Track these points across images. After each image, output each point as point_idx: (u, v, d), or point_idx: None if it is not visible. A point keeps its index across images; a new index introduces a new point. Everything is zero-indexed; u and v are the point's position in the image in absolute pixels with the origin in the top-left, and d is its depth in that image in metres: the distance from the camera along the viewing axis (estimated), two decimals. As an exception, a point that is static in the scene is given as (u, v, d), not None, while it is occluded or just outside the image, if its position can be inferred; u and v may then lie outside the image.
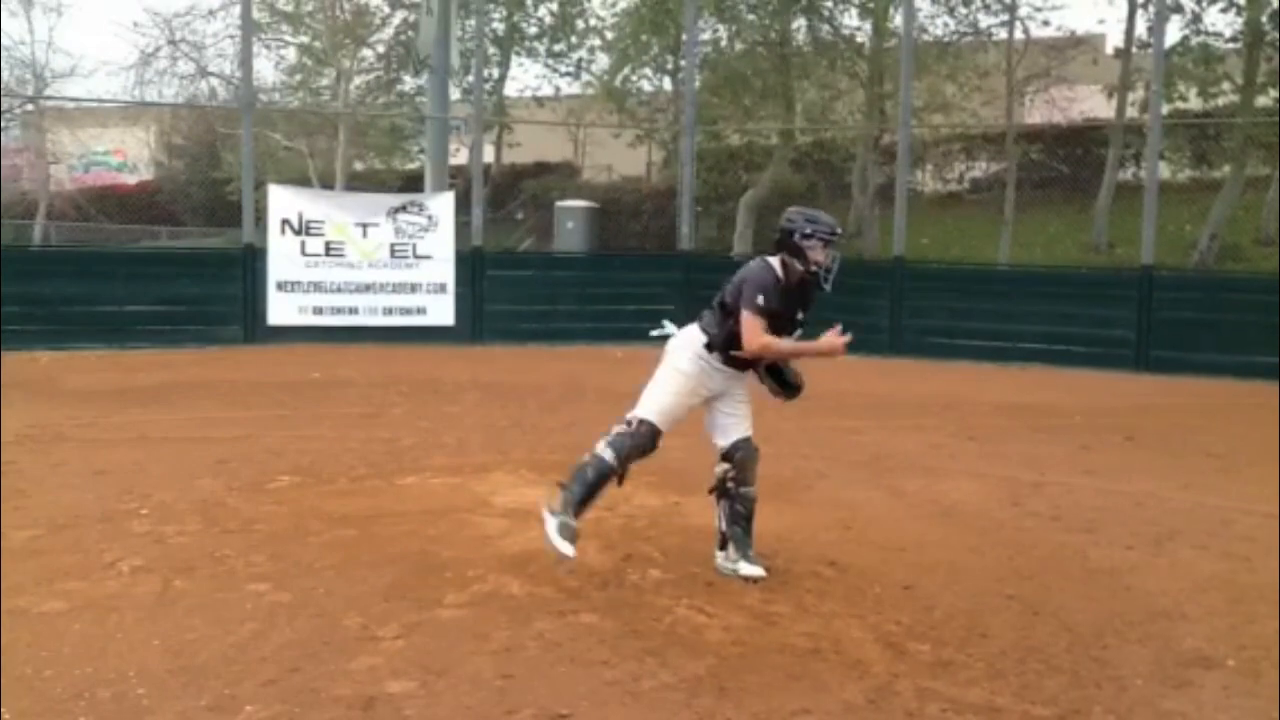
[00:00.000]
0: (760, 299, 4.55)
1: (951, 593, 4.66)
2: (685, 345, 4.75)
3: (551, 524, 4.54)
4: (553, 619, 4.21)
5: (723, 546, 4.81)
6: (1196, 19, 17.56)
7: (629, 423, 4.65)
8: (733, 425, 4.76)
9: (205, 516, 5.62)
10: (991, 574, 4.95)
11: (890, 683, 3.72)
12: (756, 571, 4.69)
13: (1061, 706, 3.59)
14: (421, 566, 4.82)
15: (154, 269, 14.26)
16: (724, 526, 4.79)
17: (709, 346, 4.67)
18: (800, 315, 4.74)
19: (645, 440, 4.63)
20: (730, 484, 4.73)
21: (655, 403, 4.68)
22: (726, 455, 4.75)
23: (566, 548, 4.50)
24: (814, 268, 4.66)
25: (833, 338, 4.64)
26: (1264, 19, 16.63)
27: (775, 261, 4.72)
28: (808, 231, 4.65)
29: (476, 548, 5.11)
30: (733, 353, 4.65)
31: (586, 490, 4.60)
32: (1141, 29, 18.58)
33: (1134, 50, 19.08)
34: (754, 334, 4.56)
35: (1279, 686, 3.78)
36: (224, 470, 6.70)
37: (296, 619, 4.16)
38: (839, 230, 4.73)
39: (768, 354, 4.65)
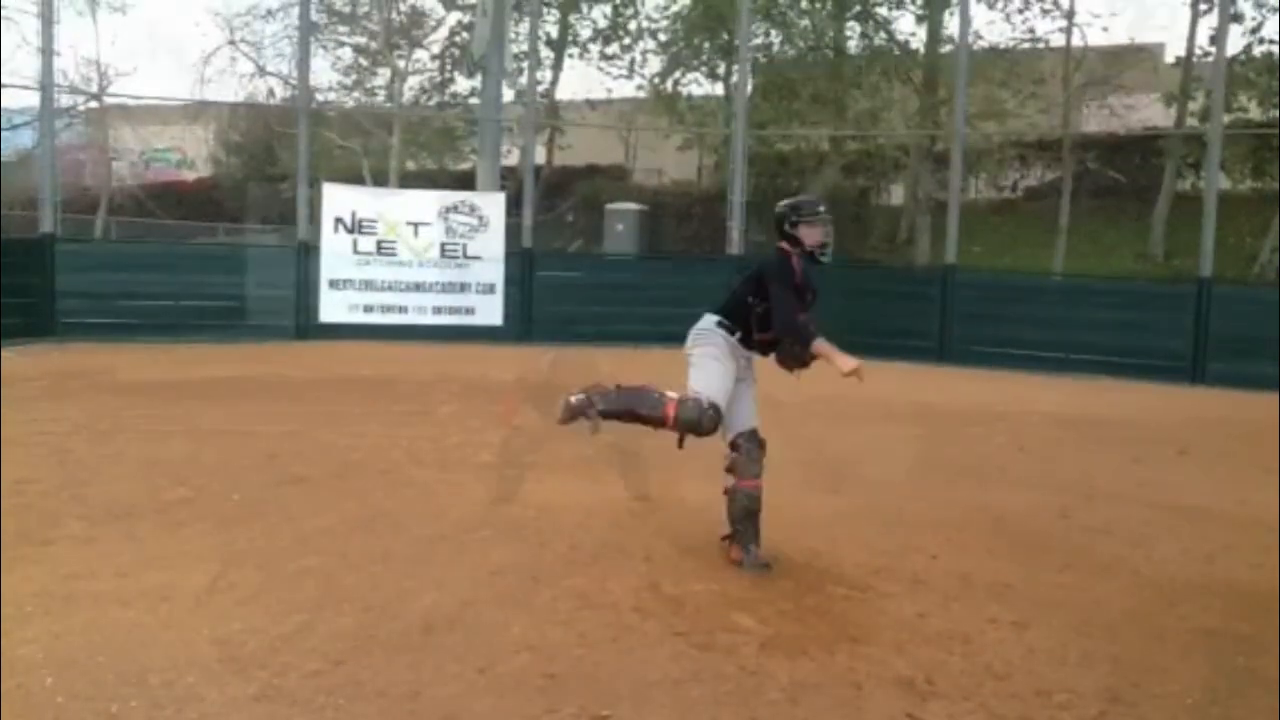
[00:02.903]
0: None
1: (997, 604, 4.61)
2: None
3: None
4: (596, 619, 4.22)
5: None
6: (1258, 27, 17.28)
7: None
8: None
9: (254, 509, 5.70)
10: (1038, 587, 4.89)
11: (928, 692, 3.70)
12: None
13: (1108, 723, 3.54)
14: (467, 564, 4.86)
15: (210, 265, 14.52)
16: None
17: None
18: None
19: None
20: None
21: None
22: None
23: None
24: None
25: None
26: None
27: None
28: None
29: (523, 547, 5.15)
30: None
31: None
32: (1203, 37, 18.33)
33: (1194, 59, 18.80)
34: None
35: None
36: (273, 464, 6.79)
37: (343, 612, 4.21)
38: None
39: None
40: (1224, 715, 3.62)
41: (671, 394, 4.85)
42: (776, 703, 3.57)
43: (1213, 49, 15.67)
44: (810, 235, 4.95)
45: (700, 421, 4.77)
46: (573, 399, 4.90)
